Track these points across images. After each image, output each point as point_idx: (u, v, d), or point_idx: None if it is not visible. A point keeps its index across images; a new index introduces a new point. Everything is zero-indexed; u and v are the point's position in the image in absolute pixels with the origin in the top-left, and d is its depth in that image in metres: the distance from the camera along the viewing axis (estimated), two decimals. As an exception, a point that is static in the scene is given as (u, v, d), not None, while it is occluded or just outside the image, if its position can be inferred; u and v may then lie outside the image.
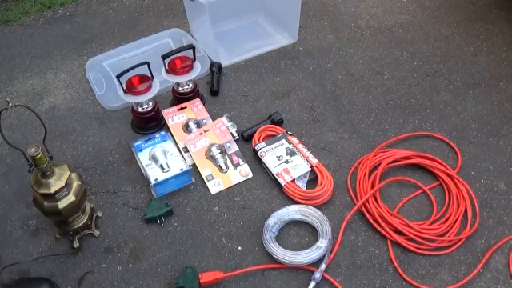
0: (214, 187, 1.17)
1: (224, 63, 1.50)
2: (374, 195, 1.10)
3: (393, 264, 1.01)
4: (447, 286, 0.97)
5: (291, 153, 1.18)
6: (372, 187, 1.12)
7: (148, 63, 1.24)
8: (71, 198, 0.96)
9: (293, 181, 1.13)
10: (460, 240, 1.04)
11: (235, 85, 1.45)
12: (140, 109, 1.28)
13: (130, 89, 1.23)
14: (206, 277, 0.96)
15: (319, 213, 1.06)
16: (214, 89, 1.41)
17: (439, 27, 1.64)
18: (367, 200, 1.08)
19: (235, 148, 1.24)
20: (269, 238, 1.02)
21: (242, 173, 1.19)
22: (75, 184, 0.98)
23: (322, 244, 1.00)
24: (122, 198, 1.16)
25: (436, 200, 1.12)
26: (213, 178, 1.18)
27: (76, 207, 0.98)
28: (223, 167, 1.19)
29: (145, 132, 1.31)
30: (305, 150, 1.19)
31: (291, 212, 1.07)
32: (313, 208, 1.07)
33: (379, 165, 1.16)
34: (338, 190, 1.15)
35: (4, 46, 1.66)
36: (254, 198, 1.15)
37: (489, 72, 1.46)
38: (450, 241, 1.03)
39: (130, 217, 1.12)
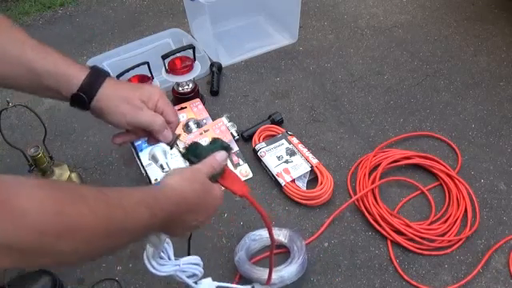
0: (214, 187, 1.16)
1: (224, 63, 1.50)
2: (374, 195, 1.10)
3: (393, 264, 1.00)
4: (447, 286, 0.97)
5: (291, 153, 1.18)
6: (372, 187, 1.12)
7: (148, 63, 1.24)
8: (71, 197, 0.96)
9: (293, 181, 1.13)
10: (460, 240, 1.04)
11: (235, 85, 1.45)
12: (140, 109, 1.28)
13: (129, 89, 1.22)
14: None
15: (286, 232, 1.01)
16: (213, 89, 1.41)
17: (439, 27, 1.64)
18: (367, 200, 1.08)
19: (235, 148, 1.24)
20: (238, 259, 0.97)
21: (242, 173, 1.19)
22: (75, 184, 0.98)
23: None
24: (121, 197, 1.15)
25: (436, 200, 1.12)
26: (213, 178, 1.18)
27: (76, 207, 0.98)
28: (223, 167, 1.19)
29: (145, 132, 1.30)
30: (305, 150, 1.19)
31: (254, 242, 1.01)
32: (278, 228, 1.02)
33: (379, 165, 1.16)
34: (337, 190, 1.15)
35: (4, 45, 1.66)
36: (254, 197, 1.14)
37: (489, 72, 1.46)
38: (449, 241, 1.03)
39: (130, 217, 1.11)
